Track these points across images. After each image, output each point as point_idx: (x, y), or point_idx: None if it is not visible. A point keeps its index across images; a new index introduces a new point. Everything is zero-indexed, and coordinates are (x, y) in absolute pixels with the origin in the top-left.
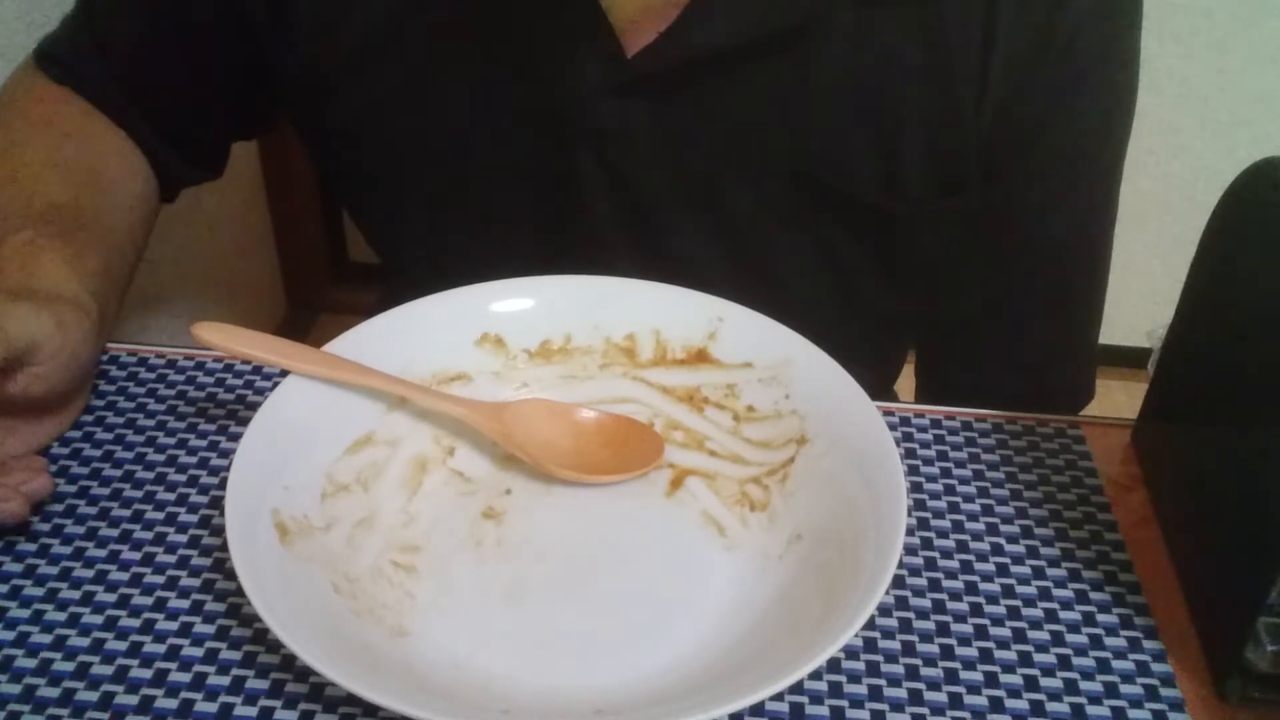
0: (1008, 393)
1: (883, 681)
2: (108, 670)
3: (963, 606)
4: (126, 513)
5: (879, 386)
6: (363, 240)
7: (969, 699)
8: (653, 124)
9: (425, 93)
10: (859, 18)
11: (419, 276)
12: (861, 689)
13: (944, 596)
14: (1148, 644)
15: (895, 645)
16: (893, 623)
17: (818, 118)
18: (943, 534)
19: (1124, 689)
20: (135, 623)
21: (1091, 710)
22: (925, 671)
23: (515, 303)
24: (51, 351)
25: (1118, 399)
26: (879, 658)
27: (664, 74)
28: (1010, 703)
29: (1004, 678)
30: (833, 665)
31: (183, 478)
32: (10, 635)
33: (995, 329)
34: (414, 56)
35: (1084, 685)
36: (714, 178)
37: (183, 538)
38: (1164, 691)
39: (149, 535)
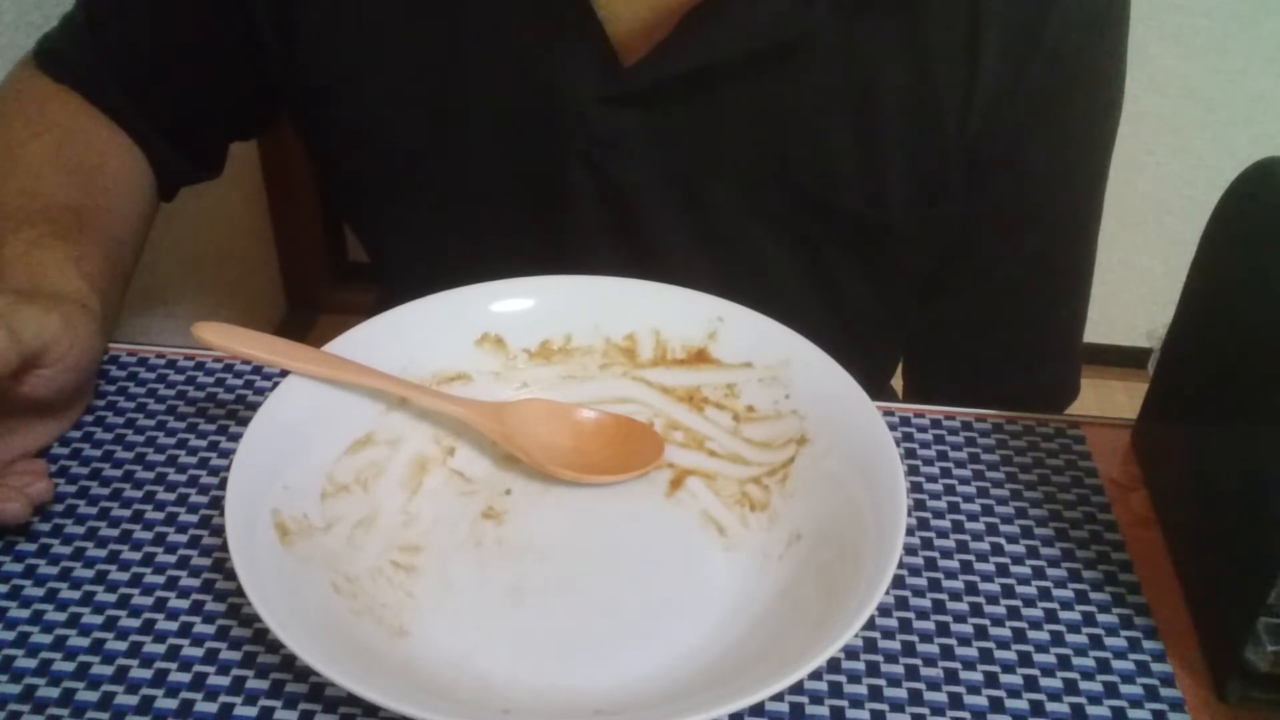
0: (994, 394)
1: (883, 681)
2: (108, 670)
3: (963, 606)
4: (126, 513)
5: (872, 389)
6: None
7: (969, 699)
8: (644, 132)
9: (423, 98)
10: (846, 32)
11: (412, 280)
12: (861, 689)
13: (944, 596)
14: (1148, 644)
15: (895, 645)
16: (893, 623)
17: (804, 129)
18: (943, 534)
19: (1124, 689)
20: (135, 623)
21: (1091, 710)
22: (925, 672)
23: (515, 303)
24: (60, 353)
25: (1118, 399)
26: (879, 658)
27: (658, 85)
28: (1010, 703)
29: (1004, 678)
30: (833, 665)
31: (183, 478)
32: (10, 635)
33: (981, 332)
34: (412, 62)
35: (1084, 685)
36: (702, 185)
37: (183, 538)
38: (1164, 691)
39: (149, 535)
